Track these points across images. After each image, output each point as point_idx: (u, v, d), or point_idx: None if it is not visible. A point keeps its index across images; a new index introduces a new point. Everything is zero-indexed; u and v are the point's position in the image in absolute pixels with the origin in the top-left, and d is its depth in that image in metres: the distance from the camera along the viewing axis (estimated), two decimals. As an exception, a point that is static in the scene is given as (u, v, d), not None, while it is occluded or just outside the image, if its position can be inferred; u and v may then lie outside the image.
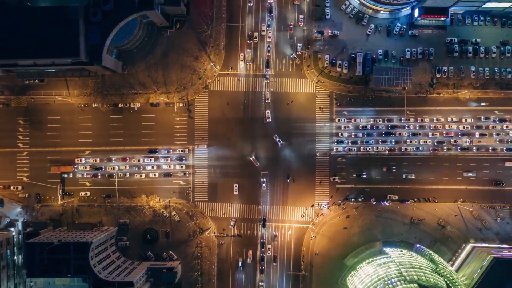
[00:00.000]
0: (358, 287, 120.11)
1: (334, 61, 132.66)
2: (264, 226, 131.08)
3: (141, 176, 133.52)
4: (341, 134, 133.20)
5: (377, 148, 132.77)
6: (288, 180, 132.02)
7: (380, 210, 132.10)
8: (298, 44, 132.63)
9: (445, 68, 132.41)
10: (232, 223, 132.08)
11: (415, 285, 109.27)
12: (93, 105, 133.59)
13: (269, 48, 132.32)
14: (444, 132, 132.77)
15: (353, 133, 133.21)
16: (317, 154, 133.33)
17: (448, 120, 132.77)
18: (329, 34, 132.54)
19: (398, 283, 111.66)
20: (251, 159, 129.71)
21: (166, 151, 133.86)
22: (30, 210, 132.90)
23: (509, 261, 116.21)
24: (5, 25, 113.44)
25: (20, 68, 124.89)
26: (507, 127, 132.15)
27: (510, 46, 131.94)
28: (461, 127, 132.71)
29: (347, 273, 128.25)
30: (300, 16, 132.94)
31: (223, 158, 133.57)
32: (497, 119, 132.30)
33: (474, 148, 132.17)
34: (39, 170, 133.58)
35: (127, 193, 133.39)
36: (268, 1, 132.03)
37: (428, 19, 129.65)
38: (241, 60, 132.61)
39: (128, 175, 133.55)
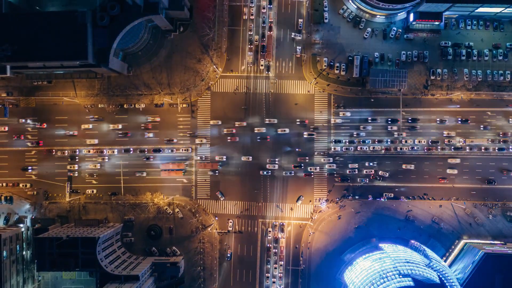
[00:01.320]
0: (355, 282, 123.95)
1: (332, 63, 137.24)
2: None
3: (145, 174, 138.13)
4: (339, 134, 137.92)
5: (374, 148, 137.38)
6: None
7: (376, 207, 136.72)
8: (297, 47, 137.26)
9: (439, 70, 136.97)
10: (230, 224, 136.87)
11: (409, 279, 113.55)
12: (99, 106, 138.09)
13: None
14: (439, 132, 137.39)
15: (350, 133, 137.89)
16: (316, 153, 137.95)
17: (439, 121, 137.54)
18: (327, 37, 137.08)
19: (393, 277, 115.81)
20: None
21: (169, 150, 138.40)
22: (39, 207, 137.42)
23: (499, 256, 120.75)
24: (15, 29, 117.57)
25: (29, 70, 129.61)
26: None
27: (502, 49, 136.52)
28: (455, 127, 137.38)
29: (344, 268, 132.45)
30: (299, 20, 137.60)
31: (225, 157, 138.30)
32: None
33: (467, 147, 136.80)
34: (47, 168, 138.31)
35: (132, 190, 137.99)
36: (269, 5, 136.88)
37: (423, 23, 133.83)
38: (242, 63, 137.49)
39: (133, 173, 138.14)
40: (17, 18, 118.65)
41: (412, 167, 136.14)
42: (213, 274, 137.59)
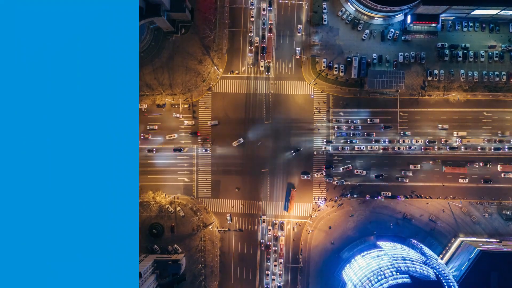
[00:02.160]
0: (353, 279, 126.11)
1: (331, 64, 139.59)
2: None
3: (147, 173, 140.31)
4: (337, 134, 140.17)
5: (371, 147, 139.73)
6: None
7: (374, 206, 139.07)
8: (297, 48, 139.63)
9: (436, 71, 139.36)
10: (228, 217, 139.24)
11: (406, 276, 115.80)
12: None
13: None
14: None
15: (348, 133, 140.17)
16: (315, 153, 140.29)
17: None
18: (326, 39, 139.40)
19: (391, 274, 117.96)
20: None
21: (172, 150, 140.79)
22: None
23: (495, 254, 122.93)
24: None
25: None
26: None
27: (498, 50, 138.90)
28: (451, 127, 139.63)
29: (343, 266, 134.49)
30: (298, 23, 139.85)
31: (226, 156, 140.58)
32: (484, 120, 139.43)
33: (463, 147, 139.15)
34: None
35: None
36: (269, 7, 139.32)
37: (420, 25, 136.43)
38: (243, 64, 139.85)
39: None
40: None
41: (418, 167, 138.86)
42: (214, 271, 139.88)
